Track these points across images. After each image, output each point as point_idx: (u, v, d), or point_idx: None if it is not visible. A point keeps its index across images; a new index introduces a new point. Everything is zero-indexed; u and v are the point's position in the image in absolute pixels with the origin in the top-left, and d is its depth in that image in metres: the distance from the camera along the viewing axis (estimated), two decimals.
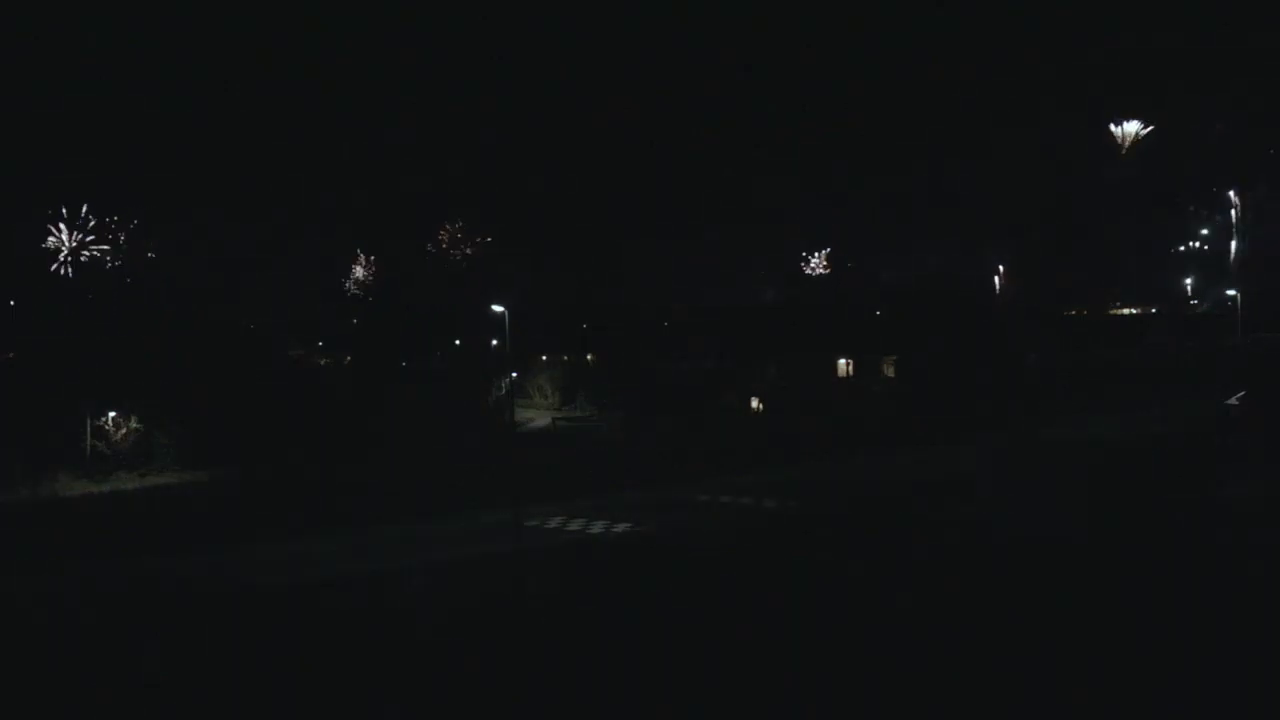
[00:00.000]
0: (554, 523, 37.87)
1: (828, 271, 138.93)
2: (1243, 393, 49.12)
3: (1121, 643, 21.32)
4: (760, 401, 77.16)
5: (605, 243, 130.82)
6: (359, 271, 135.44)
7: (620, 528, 37.03)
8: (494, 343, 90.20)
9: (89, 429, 53.13)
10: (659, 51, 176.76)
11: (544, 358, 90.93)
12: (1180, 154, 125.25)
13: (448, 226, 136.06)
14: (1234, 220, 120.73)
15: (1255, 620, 22.04)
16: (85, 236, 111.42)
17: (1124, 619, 22.85)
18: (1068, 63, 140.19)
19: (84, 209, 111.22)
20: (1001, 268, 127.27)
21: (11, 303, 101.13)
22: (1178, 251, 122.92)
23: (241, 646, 24.02)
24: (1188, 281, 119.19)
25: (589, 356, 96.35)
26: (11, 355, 72.76)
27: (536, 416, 77.43)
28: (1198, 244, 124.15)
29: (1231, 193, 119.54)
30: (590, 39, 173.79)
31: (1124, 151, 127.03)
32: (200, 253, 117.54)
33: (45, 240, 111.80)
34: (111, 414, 53.99)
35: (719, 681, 20.16)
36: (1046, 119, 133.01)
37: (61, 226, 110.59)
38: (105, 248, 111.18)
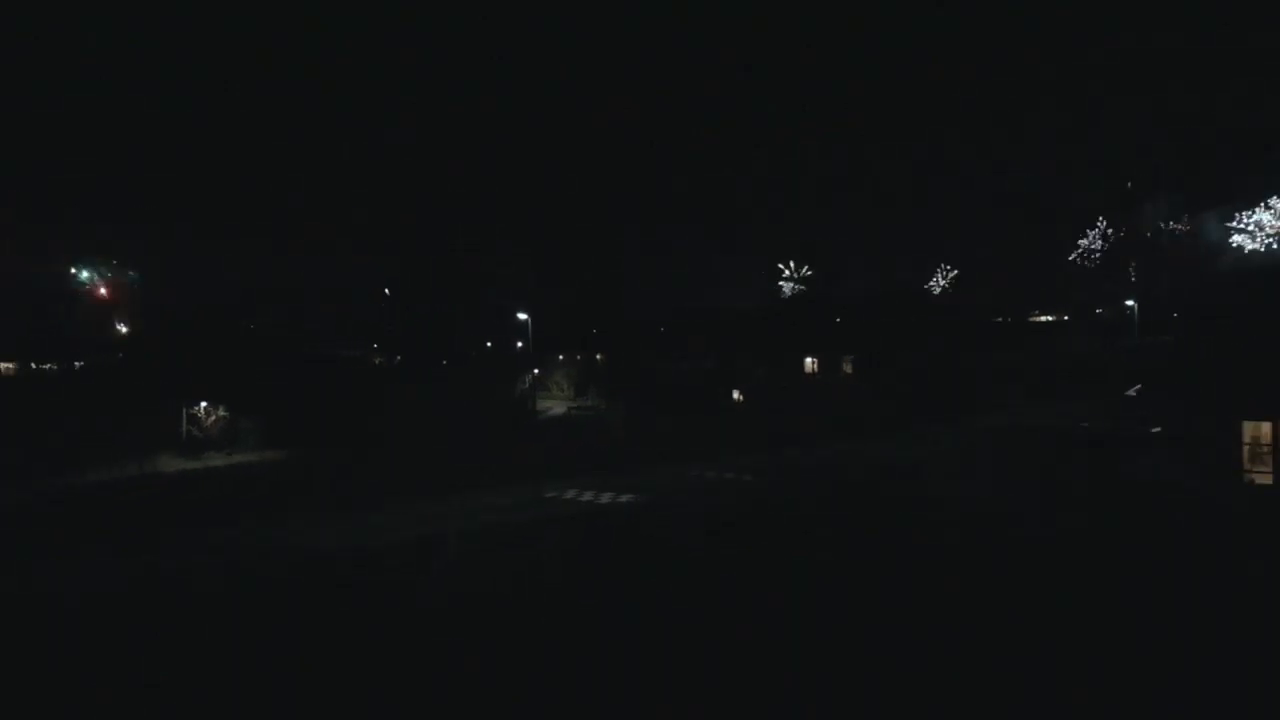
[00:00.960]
0: (569, 494, 38.54)
1: (802, 279, 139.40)
2: (1139, 385, 49.77)
3: (1032, 575, 22.20)
4: (741, 394, 77.84)
5: (610, 259, 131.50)
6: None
7: (625, 498, 37.68)
8: (519, 344, 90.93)
9: (185, 417, 53.89)
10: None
11: (560, 357, 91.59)
12: (1092, 173, 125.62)
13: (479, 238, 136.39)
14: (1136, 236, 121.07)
15: (1138, 553, 23.00)
16: None
17: (1038, 559, 23.72)
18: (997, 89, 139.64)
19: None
20: (944, 279, 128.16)
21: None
22: (1087, 264, 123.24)
23: (312, 596, 24.71)
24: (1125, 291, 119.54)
25: (598, 356, 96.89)
26: (121, 356, 73.45)
27: (554, 406, 78.12)
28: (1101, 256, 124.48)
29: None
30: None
31: None
32: (265, 257, 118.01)
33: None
34: (203, 404, 54.72)
35: (693, 591, 21.64)
36: (989, 148, 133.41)
37: None
38: None
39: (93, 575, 28.11)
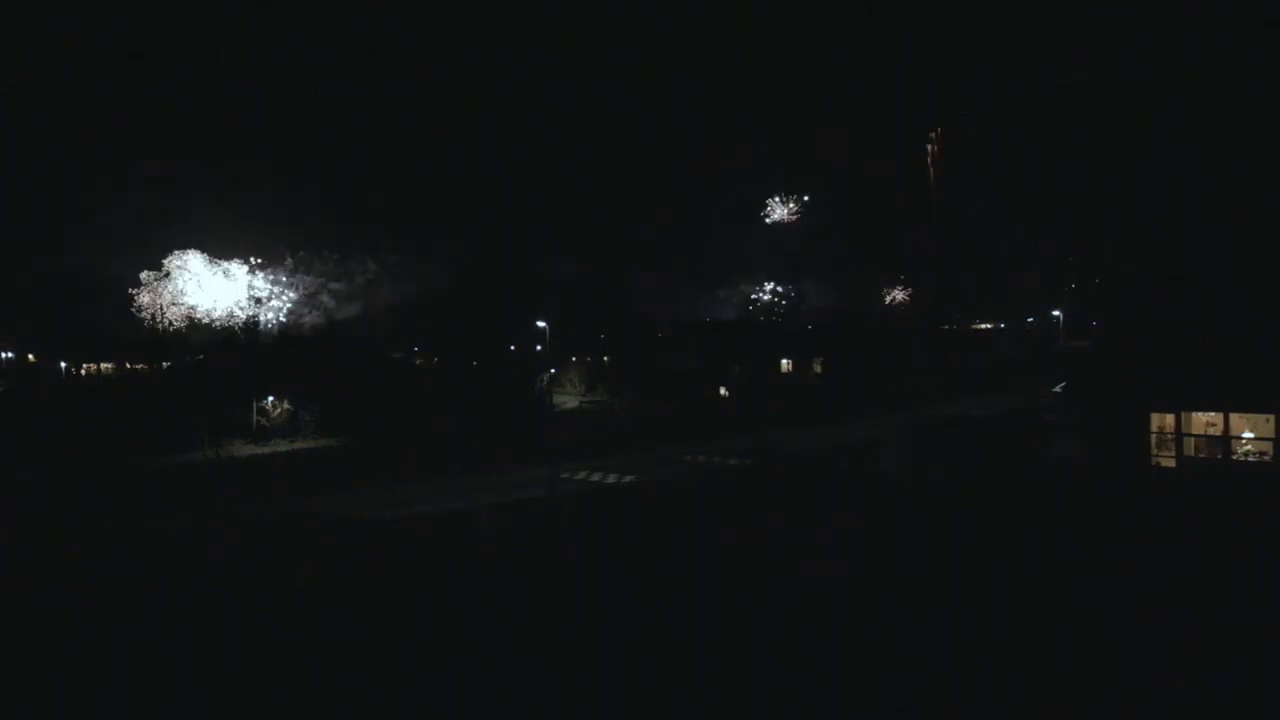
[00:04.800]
0: (580, 475, 38.52)
1: (778, 294, 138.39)
2: (1064, 383, 49.62)
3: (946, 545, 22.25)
4: (727, 390, 77.81)
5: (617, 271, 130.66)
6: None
7: (628, 478, 37.73)
8: (539, 348, 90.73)
9: (254, 409, 53.88)
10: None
11: (574, 358, 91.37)
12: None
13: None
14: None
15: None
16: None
17: (963, 535, 23.77)
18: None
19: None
20: (898, 291, 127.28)
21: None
22: (1020, 279, 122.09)
23: (365, 555, 24.77)
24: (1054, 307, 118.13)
25: (605, 358, 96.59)
26: (201, 357, 73.70)
27: (568, 400, 77.96)
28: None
29: None
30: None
31: None
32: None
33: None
34: (270, 398, 54.71)
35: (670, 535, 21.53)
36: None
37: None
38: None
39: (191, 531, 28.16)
